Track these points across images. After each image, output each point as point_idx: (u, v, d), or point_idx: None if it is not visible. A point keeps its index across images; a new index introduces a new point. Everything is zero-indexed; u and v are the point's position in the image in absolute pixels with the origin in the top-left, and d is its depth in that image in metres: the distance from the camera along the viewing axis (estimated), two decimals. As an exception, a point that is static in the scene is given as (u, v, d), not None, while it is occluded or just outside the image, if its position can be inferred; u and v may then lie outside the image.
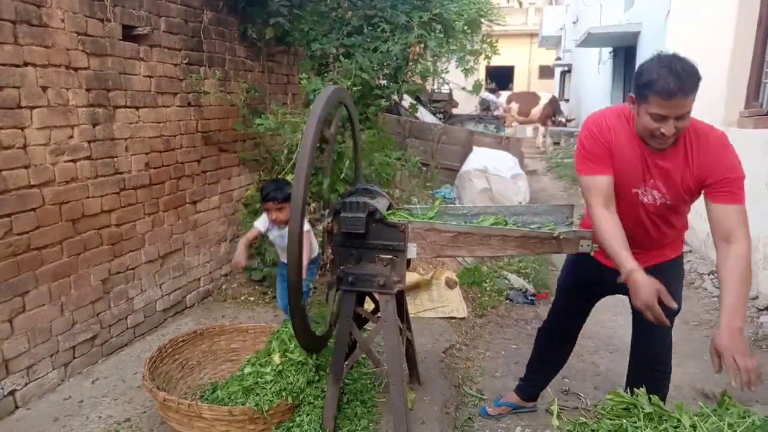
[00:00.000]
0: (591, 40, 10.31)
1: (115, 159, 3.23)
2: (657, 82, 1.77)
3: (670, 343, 2.37)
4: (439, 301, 4.16)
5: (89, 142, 3.04)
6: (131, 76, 3.32)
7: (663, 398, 2.02)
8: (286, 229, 3.13)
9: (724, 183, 1.93)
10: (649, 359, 2.38)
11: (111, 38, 3.15)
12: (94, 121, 3.06)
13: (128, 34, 3.29)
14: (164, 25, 3.58)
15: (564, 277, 2.64)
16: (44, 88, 2.75)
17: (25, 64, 2.64)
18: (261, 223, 3.25)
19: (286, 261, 3.38)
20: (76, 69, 2.92)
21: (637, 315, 2.34)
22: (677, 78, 1.74)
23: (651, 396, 1.68)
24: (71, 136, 2.92)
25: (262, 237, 3.41)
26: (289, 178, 4.25)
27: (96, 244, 3.14)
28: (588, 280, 2.43)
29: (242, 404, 2.35)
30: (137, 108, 3.38)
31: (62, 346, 2.96)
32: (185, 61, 3.79)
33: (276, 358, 2.47)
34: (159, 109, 3.58)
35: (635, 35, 9.35)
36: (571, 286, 2.58)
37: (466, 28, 6.88)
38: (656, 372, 2.36)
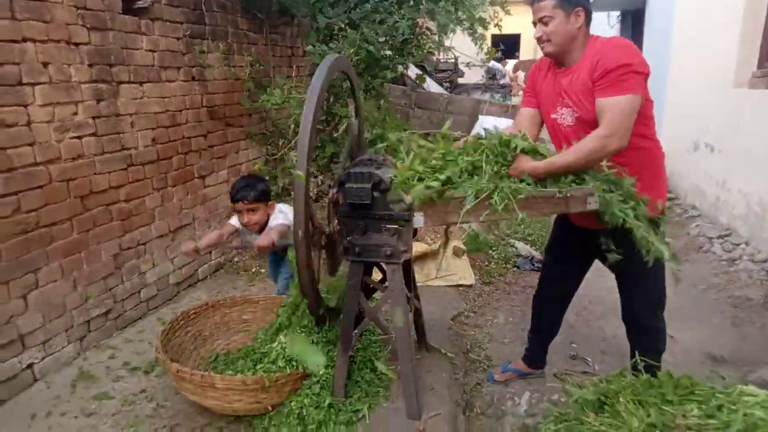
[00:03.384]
0: (598, 3, 10.04)
1: (121, 135, 3.23)
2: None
3: (654, 299, 2.34)
4: (446, 270, 4.17)
5: (94, 118, 3.03)
6: (133, 51, 3.30)
7: (659, 354, 2.02)
8: (264, 233, 2.87)
9: (603, 75, 1.96)
10: (636, 318, 2.39)
11: (111, 12, 3.11)
12: (98, 97, 3.05)
13: (128, 7, 3.25)
14: (164, -2, 3.53)
15: (548, 240, 2.74)
16: (45, 64, 2.73)
17: (24, 40, 2.61)
18: (236, 220, 3.01)
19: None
20: (77, 44, 2.90)
21: (618, 277, 2.36)
22: None
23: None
24: (75, 113, 2.92)
25: None
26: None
27: (106, 220, 3.17)
28: (564, 239, 2.48)
29: (253, 374, 2.39)
30: (141, 83, 3.37)
31: (76, 320, 3.02)
32: (187, 34, 3.75)
33: (282, 338, 2.51)
34: (163, 84, 3.56)
35: (644, -2, 9.10)
36: (553, 245, 2.66)
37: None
38: (646, 330, 2.35)
